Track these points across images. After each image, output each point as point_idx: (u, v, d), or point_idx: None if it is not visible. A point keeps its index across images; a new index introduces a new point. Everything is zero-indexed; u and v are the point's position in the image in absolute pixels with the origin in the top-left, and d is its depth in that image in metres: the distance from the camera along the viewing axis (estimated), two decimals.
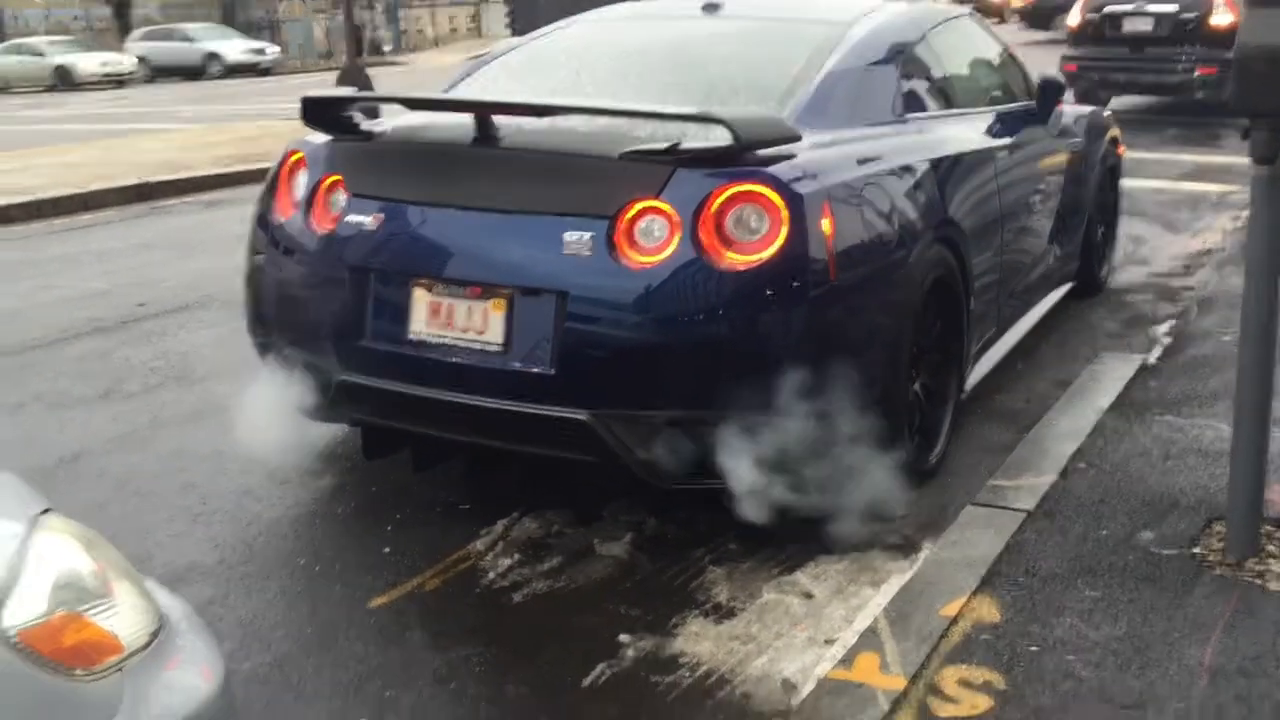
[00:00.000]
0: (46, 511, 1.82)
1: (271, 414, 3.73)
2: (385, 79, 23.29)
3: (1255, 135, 2.88)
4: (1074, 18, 13.30)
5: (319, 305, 3.67)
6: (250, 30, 38.26)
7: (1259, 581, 3.03)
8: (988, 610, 2.95)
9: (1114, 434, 4.04)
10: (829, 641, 3.01)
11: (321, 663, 2.99)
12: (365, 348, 3.57)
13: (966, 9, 5.63)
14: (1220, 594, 2.98)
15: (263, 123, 15.73)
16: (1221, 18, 11.95)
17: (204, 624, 1.99)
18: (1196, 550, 3.21)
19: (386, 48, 41.45)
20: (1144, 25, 12.54)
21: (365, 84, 14.17)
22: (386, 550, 3.56)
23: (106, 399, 4.98)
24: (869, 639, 2.86)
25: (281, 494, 3.99)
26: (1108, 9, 12.71)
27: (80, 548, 1.76)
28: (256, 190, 4.10)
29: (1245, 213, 7.50)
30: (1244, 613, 2.89)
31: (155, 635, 1.75)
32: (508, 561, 3.46)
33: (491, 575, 3.39)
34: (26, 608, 1.59)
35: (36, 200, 9.91)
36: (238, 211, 9.24)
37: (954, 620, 2.90)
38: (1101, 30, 12.79)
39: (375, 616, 3.20)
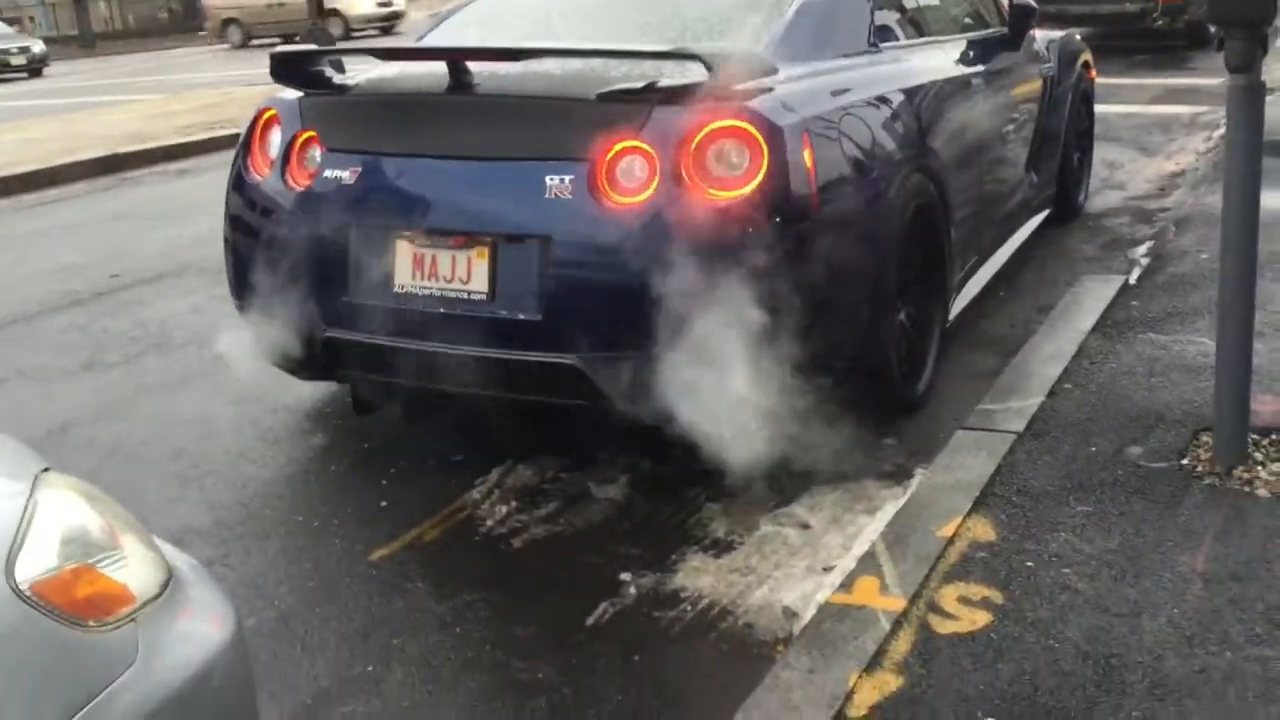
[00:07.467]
0: (47, 470, 1.82)
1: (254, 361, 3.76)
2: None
3: (1230, 44, 2.88)
4: None
5: (300, 263, 3.65)
6: None
7: (1247, 489, 3.07)
8: (983, 530, 2.98)
9: (1098, 354, 4.07)
10: (827, 569, 3.04)
11: (327, 615, 3.01)
12: (349, 303, 3.55)
13: None
14: (1210, 503, 3.03)
15: None
16: None
17: (211, 576, 2.00)
18: (1185, 462, 3.25)
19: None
20: None
21: (328, 42, 13.98)
22: (384, 504, 3.57)
23: (89, 370, 4.95)
24: (867, 563, 2.89)
25: (273, 454, 3.99)
26: None
27: (84, 502, 1.76)
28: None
29: (1217, 132, 7.55)
30: (1234, 519, 2.93)
31: (165, 586, 1.75)
32: (505, 509, 3.48)
33: (490, 523, 3.41)
34: (37, 562, 1.59)
35: (3, 177, 9.80)
36: (206, 178, 9.16)
37: (950, 540, 2.93)
38: None
39: (377, 568, 3.22)
